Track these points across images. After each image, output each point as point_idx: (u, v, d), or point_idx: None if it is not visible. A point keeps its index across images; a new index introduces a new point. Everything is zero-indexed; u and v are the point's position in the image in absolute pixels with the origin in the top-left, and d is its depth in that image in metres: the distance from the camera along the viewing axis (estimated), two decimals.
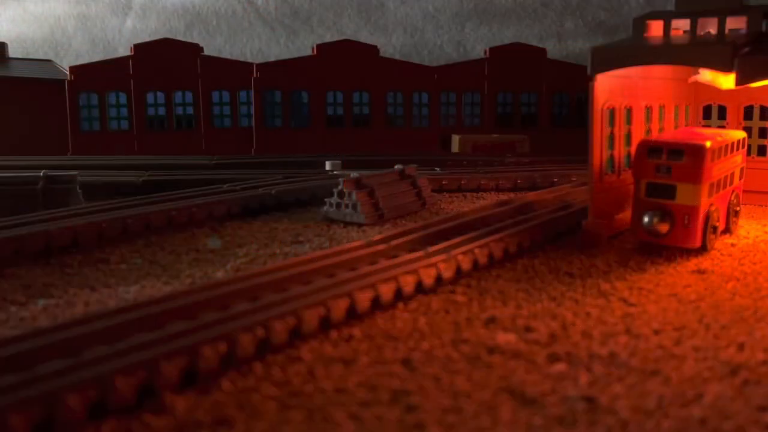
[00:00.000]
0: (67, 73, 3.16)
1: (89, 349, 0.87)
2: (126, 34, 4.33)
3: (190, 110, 3.23)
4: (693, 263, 1.43)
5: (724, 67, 1.49)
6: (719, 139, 1.53)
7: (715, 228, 1.53)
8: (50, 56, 4.10)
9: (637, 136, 1.76)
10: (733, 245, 1.58)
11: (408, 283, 1.19)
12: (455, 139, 3.24)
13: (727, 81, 1.65)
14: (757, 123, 2.09)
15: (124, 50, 3.66)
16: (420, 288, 1.23)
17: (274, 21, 4.19)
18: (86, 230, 1.58)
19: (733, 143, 1.61)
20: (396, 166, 2.12)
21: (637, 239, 1.55)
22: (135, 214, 1.71)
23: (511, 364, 0.93)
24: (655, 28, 1.71)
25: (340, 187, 1.88)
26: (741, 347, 0.98)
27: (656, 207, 1.48)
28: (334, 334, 1.04)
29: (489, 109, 3.42)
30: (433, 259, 1.28)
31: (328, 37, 4.00)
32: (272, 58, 3.87)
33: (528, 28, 3.86)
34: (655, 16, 1.75)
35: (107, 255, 1.53)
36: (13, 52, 3.60)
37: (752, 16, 1.62)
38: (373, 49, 3.35)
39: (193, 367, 0.86)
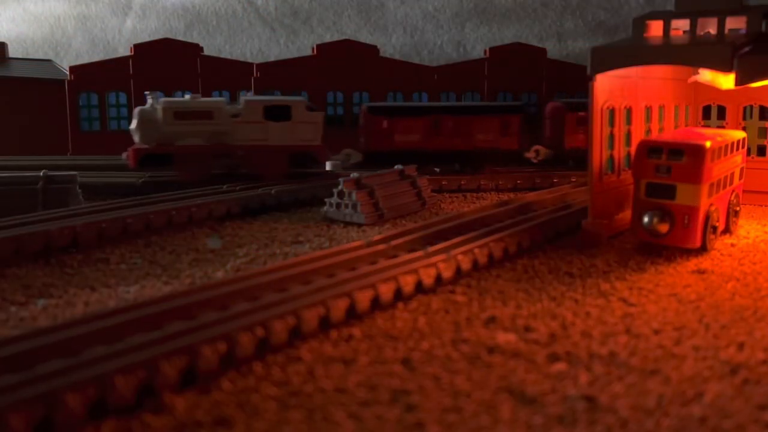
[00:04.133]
0: (67, 73, 3.16)
1: (89, 349, 0.87)
2: (126, 34, 4.33)
3: None
4: (693, 263, 1.43)
5: (723, 67, 1.49)
6: (719, 139, 1.54)
7: (715, 228, 1.53)
8: (50, 56, 4.11)
9: (637, 136, 1.76)
10: (733, 245, 1.58)
11: (408, 283, 1.19)
12: None
13: (726, 81, 1.65)
14: (756, 123, 2.09)
15: (124, 50, 3.66)
16: (420, 288, 1.23)
17: (274, 21, 4.20)
18: (86, 230, 1.58)
19: (732, 143, 1.61)
20: (396, 166, 2.12)
21: (637, 239, 1.55)
22: (135, 214, 1.71)
23: (511, 364, 0.93)
24: (655, 28, 1.71)
25: (340, 187, 1.89)
26: (741, 347, 0.98)
27: (656, 207, 1.48)
28: (334, 334, 1.04)
29: None
30: (433, 259, 1.28)
31: (328, 37, 4.00)
32: (272, 58, 3.87)
33: (528, 28, 3.87)
34: (655, 16, 1.75)
35: (107, 255, 1.53)
36: (13, 52, 3.60)
37: (752, 16, 1.62)
38: (373, 49, 3.35)
39: (193, 367, 0.86)
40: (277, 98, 2.50)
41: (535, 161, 2.55)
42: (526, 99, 3.41)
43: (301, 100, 2.36)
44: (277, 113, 2.31)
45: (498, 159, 2.51)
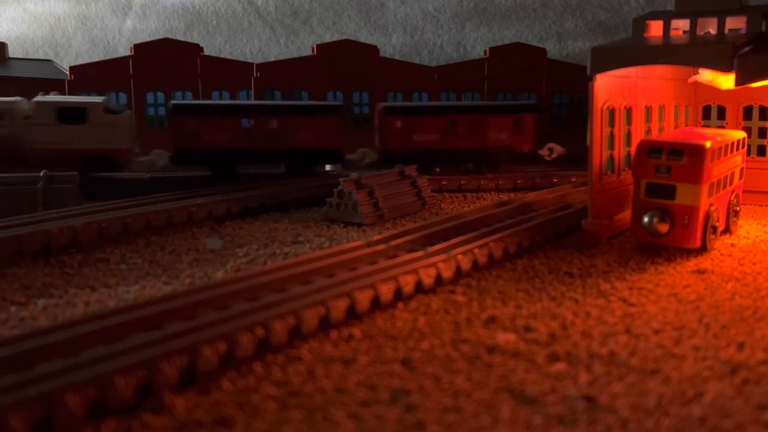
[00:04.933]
0: (67, 73, 3.16)
1: (89, 349, 0.87)
2: (126, 34, 4.33)
3: None
4: (693, 263, 1.43)
5: (723, 67, 1.49)
6: (719, 139, 1.53)
7: (715, 228, 1.53)
8: (50, 56, 4.11)
9: (637, 136, 1.76)
10: (733, 245, 1.58)
11: (408, 283, 1.19)
12: None
13: (726, 81, 1.65)
14: (756, 123, 2.09)
15: (124, 50, 3.66)
16: (420, 288, 1.23)
17: (274, 21, 4.20)
18: (86, 230, 1.58)
19: (733, 143, 1.61)
20: (396, 166, 2.12)
21: (637, 239, 1.55)
22: (135, 214, 1.71)
23: (510, 364, 0.93)
24: (655, 28, 1.72)
25: (340, 187, 1.89)
26: (741, 347, 0.98)
27: (656, 207, 1.48)
28: (334, 334, 1.04)
29: None
30: (433, 259, 1.28)
31: (328, 37, 4.00)
32: (272, 58, 3.87)
33: (528, 28, 3.87)
34: (655, 16, 1.75)
35: (107, 255, 1.53)
36: (13, 52, 3.60)
37: (752, 16, 1.62)
38: (373, 49, 3.35)
39: (193, 367, 0.86)
40: (72, 99, 2.40)
41: (361, 164, 2.48)
42: (526, 99, 3.39)
43: (100, 102, 2.27)
44: (72, 115, 2.22)
45: (318, 160, 2.43)
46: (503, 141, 2.53)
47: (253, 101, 3.08)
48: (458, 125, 2.50)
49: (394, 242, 1.42)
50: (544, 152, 2.70)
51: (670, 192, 1.47)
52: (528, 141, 2.54)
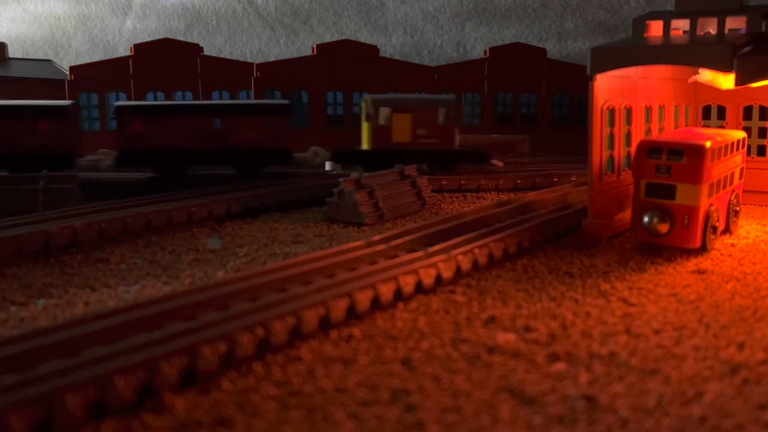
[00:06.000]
0: (67, 73, 3.16)
1: (89, 349, 0.87)
2: (126, 34, 4.33)
3: None
4: (693, 263, 1.43)
5: (723, 67, 1.49)
6: (719, 139, 1.53)
7: (715, 228, 1.53)
8: (50, 56, 4.11)
9: (637, 136, 1.76)
10: (733, 245, 1.58)
11: (408, 283, 1.19)
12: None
13: (726, 81, 1.65)
14: (756, 123, 2.09)
15: (124, 50, 3.67)
16: (420, 288, 1.23)
17: (274, 21, 4.20)
18: (86, 230, 1.58)
19: (732, 143, 1.61)
20: (396, 166, 2.12)
21: (637, 239, 1.55)
22: (135, 214, 1.71)
23: (510, 364, 0.93)
24: (655, 28, 1.72)
25: (340, 187, 1.89)
26: (741, 347, 0.98)
27: (656, 207, 1.48)
28: (334, 334, 1.04)
29: (489, 109, 3.42)
30: (433, 259, 1.28)
31: (328, 37, 4.00)
32: (272, 58, 3.88)
33: (528, 28, 3.87)
34: (655, 16, 1.75)
35: (107, 255, 1.53)
36: (13, 52, 3.60)
37: (752, 16, 1.62)
38: (373, 49, 3.35)
39: (193, 367, 0.86)
40: None
41: (107, 165, 2.40)
42: (526, 99, 3.38)
43: None
44: None
45: (49, 162, 2.17)
46: (255, 142, 2.41)
47: None
48: (205, 126, 2.39)
49: (394, 242, 1.42)
50: (308, 155, 2.67)
51: (670, 192, 1.47)
52: (281, 141, 2.43)
